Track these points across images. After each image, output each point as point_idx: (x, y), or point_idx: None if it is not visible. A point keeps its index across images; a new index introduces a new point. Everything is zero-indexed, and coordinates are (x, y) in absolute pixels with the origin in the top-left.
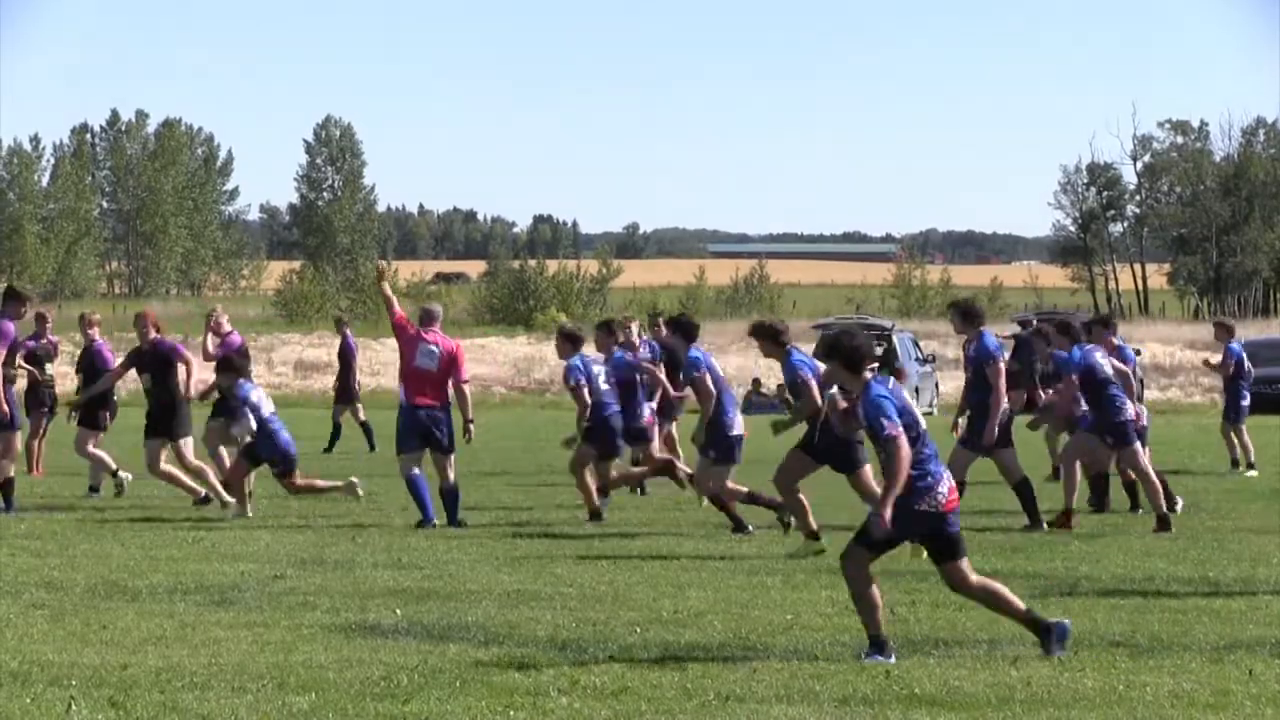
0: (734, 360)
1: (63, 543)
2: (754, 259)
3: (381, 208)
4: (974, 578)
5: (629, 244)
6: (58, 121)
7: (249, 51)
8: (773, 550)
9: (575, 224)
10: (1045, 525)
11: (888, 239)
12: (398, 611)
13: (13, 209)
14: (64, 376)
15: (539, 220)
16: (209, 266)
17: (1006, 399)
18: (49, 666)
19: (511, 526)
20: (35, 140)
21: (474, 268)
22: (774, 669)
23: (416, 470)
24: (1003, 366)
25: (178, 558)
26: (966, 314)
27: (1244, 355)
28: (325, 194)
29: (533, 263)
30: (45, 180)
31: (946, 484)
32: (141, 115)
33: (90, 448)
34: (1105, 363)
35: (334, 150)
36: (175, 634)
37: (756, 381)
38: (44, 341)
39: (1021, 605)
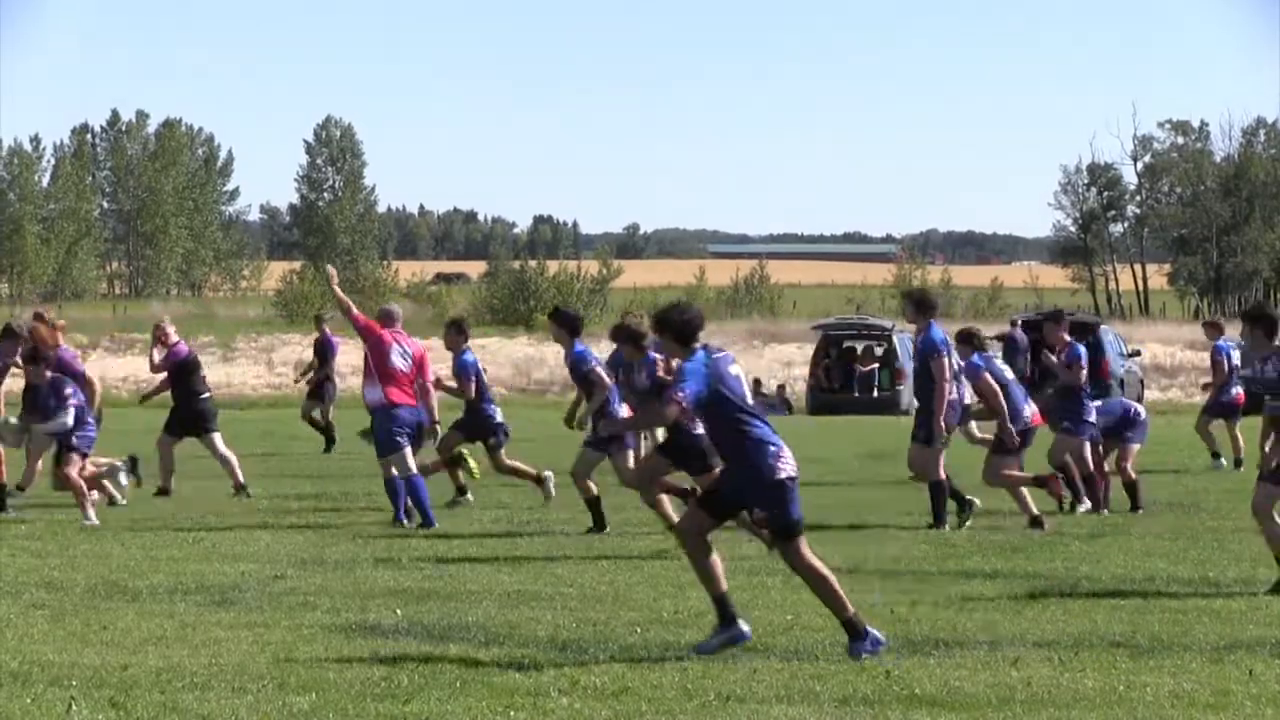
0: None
1: (63, 543)
2: (754, 259)
3: (382, 208)
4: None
5: (629, 244)
6: (58, 122)
7: (249, 52)
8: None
9: (575, 224)
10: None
11: (888, 239)
12: (398, 611)
13: (13, 209)
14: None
15: (539, 221)
16: (209, 267)
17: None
18: (49, 667)
19: (512, 526)
20: (35, 140)
21: (474, 268)
22: (774, 669)
23: (415, 471)
24: (946, 361)
25: (178, 558)
26: (919, 304)
27: (1232, 351)
28: (326, 194)
29: (533, 263)
30: (46, 180)
31: (789, 454)
32: (142, 115)
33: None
34: (1005, 369)
35: (334, 151)
36: (175, 634)
37: (757, 382)
38: None
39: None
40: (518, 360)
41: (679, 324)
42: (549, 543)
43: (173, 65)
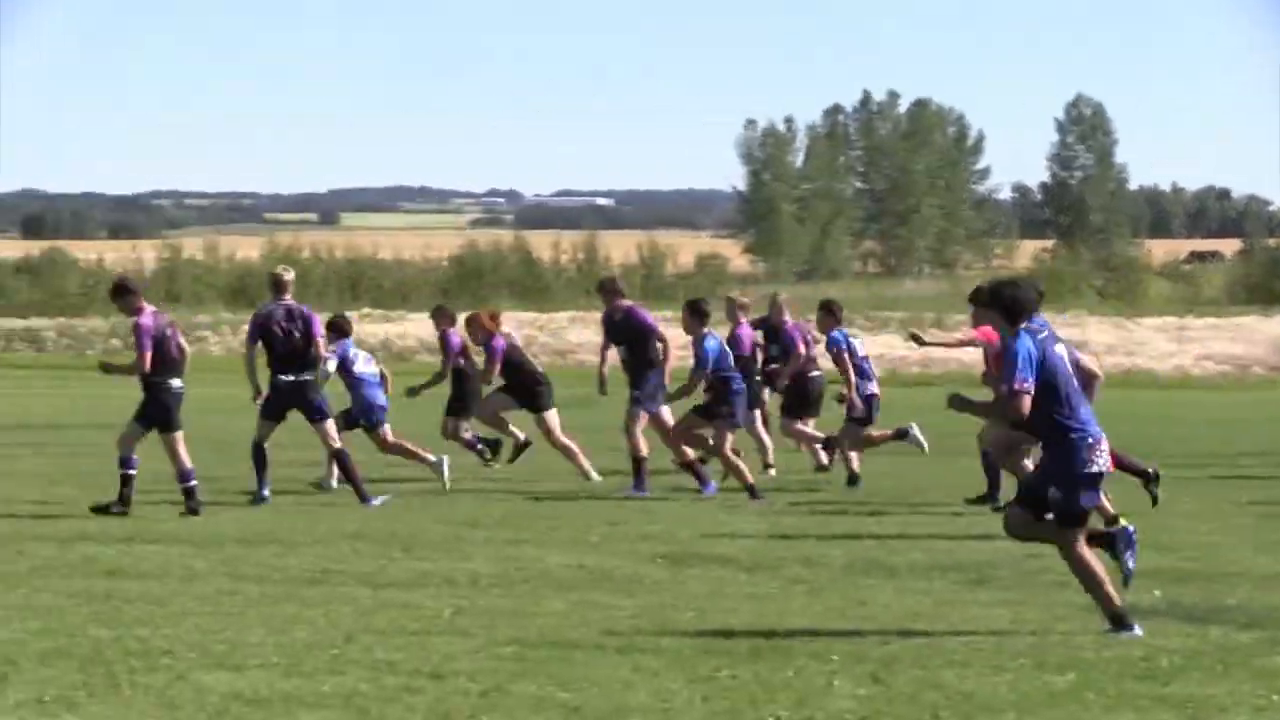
0: None
1: (820, 523)
2: None
3: (1133, 186)
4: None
5: None
6: (811, 103)
7: (998, 33)
8: None
9: None
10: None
11: None
12: (1156, 592)
13: (768, 189)
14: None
15: None
16: (961, 245)
17: None
18: (810, 640)
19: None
20: (789, 122)
21: (1228, 246)
22: None
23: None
24: None
25: (933, 535)
26: None
27: None
28: (1077, 172)
29: None
30: (799, 161)
31: (1105, 445)
32: (893, 96)
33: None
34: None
35: (1085, 129)
36: (933, 611)
37: None
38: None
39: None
40: (1277, 339)
41: (1009, 300)
42: None
43: (923, 47)
